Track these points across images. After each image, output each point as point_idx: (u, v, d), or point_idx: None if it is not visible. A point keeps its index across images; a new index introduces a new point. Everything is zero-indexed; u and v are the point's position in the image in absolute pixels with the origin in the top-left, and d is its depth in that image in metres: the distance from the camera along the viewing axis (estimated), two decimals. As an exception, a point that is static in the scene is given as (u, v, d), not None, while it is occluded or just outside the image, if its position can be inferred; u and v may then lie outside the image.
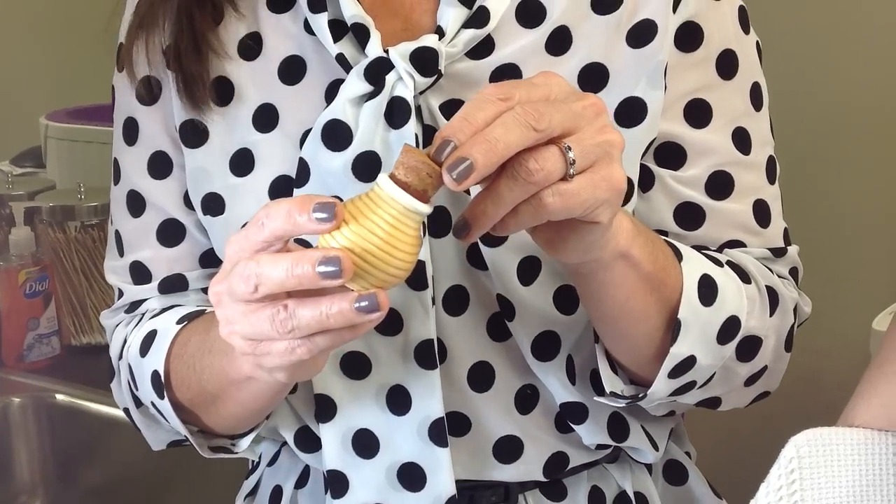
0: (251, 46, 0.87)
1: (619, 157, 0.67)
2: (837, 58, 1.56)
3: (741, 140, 0.87)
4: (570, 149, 0.64)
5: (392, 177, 0.63)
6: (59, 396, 1.50)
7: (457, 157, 0.61)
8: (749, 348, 0.84)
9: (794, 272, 0.91)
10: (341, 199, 0.64)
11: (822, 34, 1.56)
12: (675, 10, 0.84)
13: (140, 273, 0.93)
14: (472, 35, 0.82)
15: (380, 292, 0.63)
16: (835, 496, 0.67)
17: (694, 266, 0.81)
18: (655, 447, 0.91)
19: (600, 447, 0.89)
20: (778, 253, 0.89)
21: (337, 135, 0.81)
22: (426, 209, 0.63)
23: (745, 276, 0.84)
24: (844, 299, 1.34)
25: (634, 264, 0.75)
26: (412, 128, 0.80)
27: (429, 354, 0.83)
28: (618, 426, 0.89)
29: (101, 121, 1.74)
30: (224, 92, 0.87)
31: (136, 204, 0.92)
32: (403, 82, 0.80)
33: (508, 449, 0.88)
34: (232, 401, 0.82)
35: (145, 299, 0.93)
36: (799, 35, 1.55)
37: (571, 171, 0.64)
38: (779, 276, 0.89)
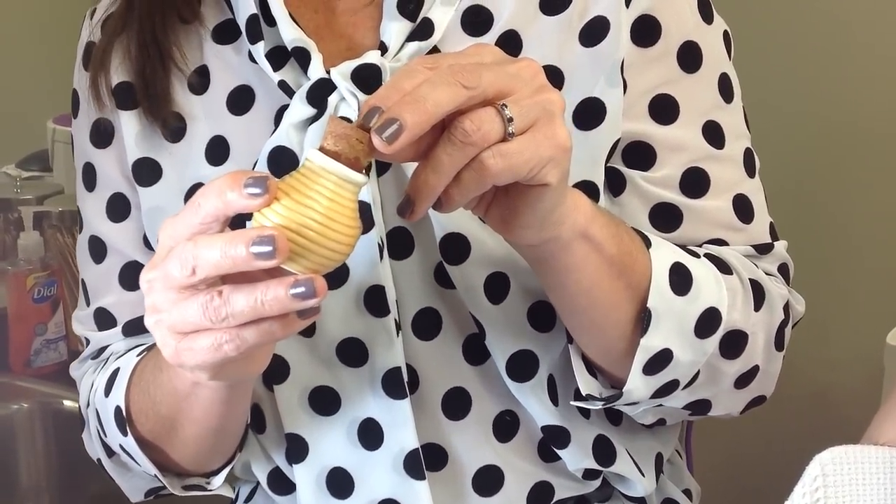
0: (200, 80, 0.86)
1: (561, 115, 0.65)
2: (859, 68, 1.55)
3: (713, 134, 0.85)
4: (505, 106, 0.62)
5: (322, 149, 0.61)
6: (66, 402, 1.50)
7: (386, 119, 0.59)
8: (734, 344, 0.81)
9: (783, 269, 0.88)
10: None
11: (846, 41, 1.56)
12: (627, 5, 0.82)
13: (104, 319, 0.91)
14: (417, 48, 0.80)
15: (317, 277, 0.59)
16: (860, 515, 0.66)
17: (664, 253, 0.78)
18: (643, 473, 0.88)
19: (587, 476, 0.87)
20: (763, 249, 0.87)
21: (282, 162, 0.80)
22: (361, 178, 0.61)
23: (724, 268, 0.81)
24: (858, 312, 1.32)
25: (596, 245, 0.72)
26: None
27: (397, 383, 0.81)
28: (603, 449, 0.86)
29: (108, 125, 1.74)
30: (176, 127, 0.86)
31: (98, 249, 0.91)
32: (347, 102, 0.79)
33: (488, 480, 0.85)
34: (186, 420, 0.79)
35: (111, 344, 0.91)
36: (823, 44, 1.54)
37: (511, 129, 0.62)
38: (766, 273, 0.86)
